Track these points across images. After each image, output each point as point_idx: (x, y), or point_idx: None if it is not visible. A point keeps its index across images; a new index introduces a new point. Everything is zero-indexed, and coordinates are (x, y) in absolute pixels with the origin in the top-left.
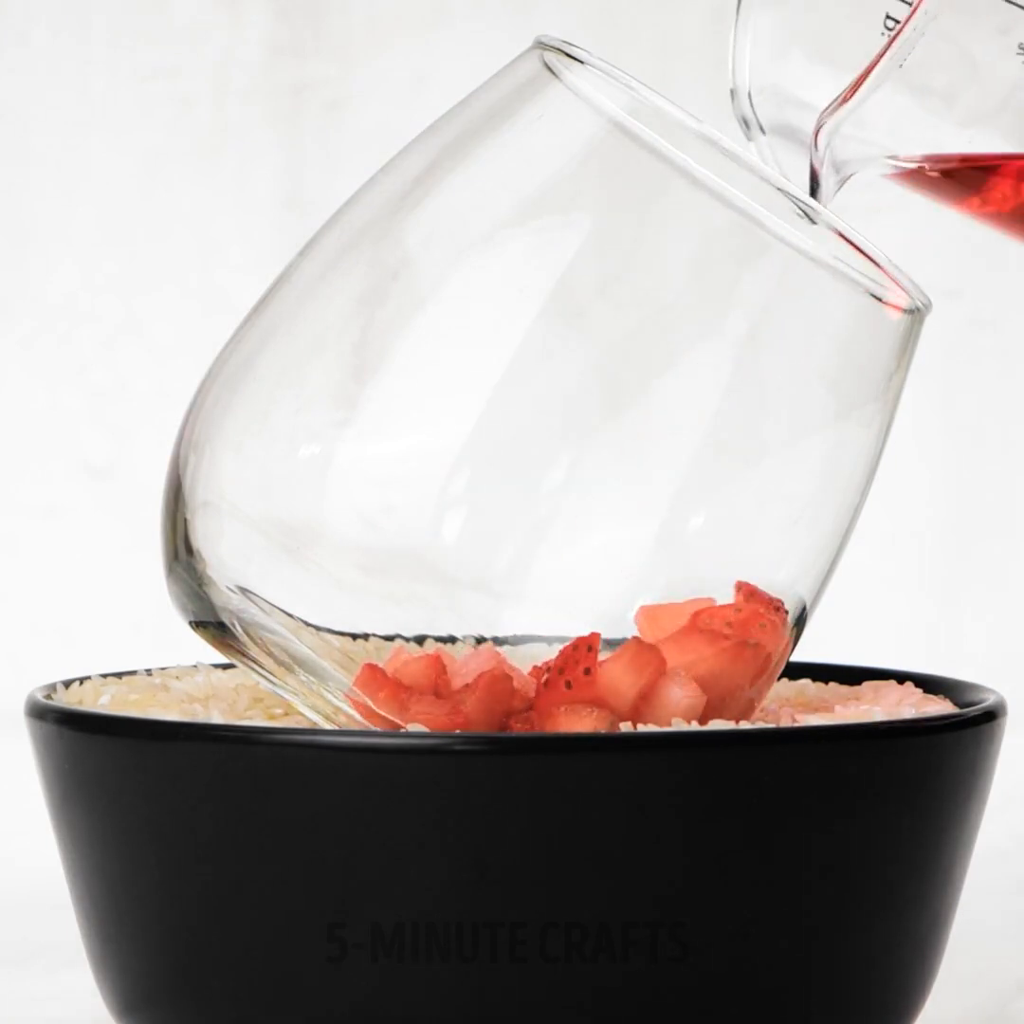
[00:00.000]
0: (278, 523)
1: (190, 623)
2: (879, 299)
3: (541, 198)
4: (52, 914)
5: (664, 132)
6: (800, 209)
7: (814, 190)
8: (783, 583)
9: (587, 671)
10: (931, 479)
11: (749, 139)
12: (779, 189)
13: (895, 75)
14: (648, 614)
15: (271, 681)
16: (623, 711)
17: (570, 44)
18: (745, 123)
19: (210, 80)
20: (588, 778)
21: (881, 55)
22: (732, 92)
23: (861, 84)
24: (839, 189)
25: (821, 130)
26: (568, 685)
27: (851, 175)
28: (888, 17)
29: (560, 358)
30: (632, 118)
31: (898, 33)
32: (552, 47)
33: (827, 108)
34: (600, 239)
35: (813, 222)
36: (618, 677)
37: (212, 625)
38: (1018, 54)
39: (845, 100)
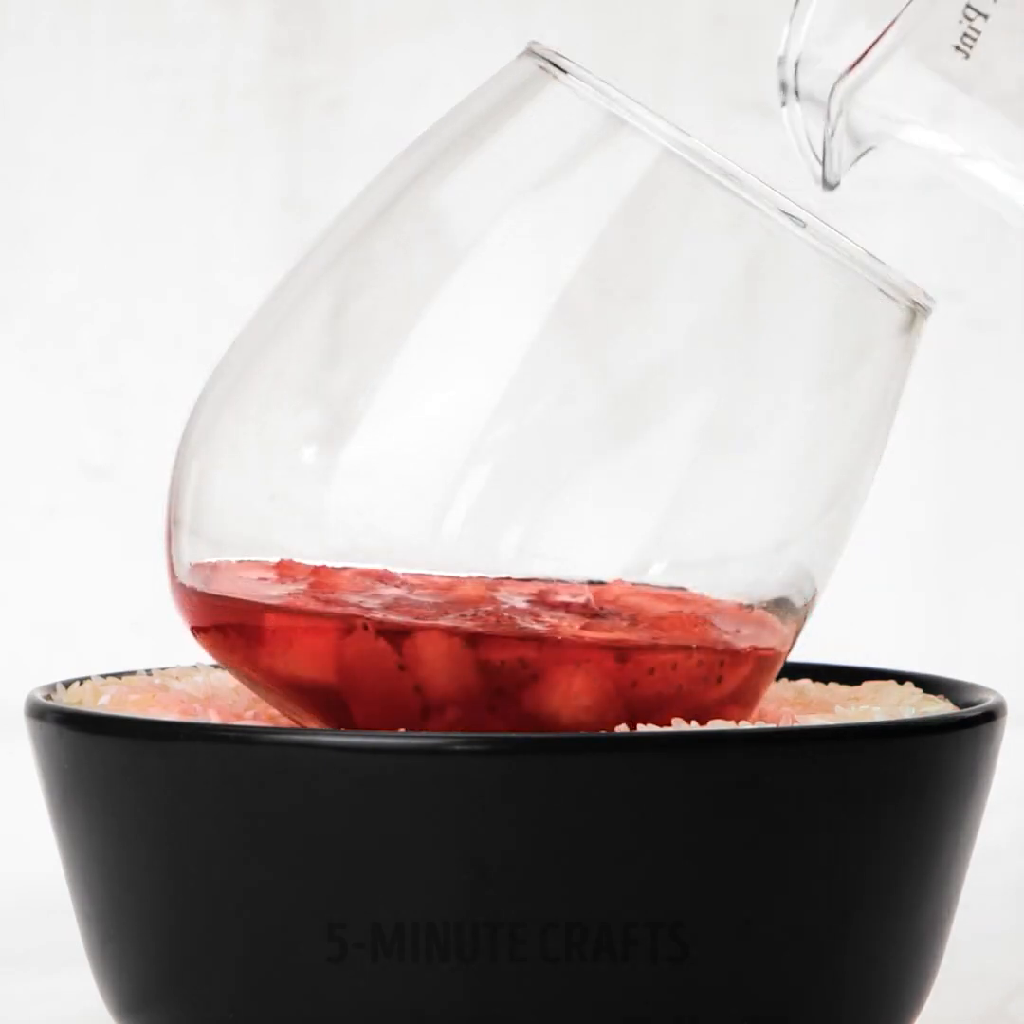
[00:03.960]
0: (278, 525)
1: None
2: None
3: (537, 199)
4: (52, 914)
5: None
6: (789, 215)
7: (825, 160)
8: (783, 581)
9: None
10: (931, 479)
11: (783, 104)
12: (770, 195)
13: (907, 44)
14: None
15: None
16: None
17: (559, 55)
18: (783, 88)
19: (210, 80)
20: (588, 778)
21: (892, 22)
22: (780, 58)
23: (869, 52)
24: (856, 161)
25: (832, 97)
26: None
27: (870, 149)
28: None
29: (558, 356)
30: (620, 128)
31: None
32: (541, 55)
33: (840, 75)
34: (600, 239)
35: (803, 225)
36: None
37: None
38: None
39: (853, 67)
